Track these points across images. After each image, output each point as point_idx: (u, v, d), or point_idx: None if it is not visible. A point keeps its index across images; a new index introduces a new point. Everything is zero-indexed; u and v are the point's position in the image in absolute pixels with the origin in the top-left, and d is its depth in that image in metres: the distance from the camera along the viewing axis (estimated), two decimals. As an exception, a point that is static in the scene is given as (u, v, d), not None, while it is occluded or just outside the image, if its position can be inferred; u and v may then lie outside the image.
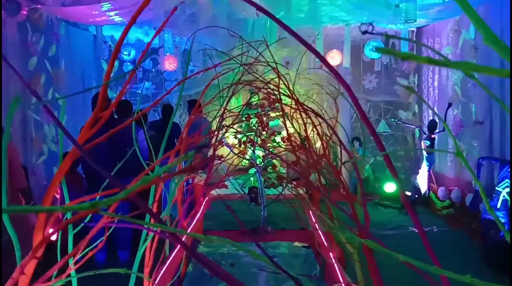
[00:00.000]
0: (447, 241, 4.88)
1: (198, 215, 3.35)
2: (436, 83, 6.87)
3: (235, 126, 3.09)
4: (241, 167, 5.14)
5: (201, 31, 2.27)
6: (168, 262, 2.21)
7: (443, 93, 6.52)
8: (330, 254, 2.36)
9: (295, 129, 2.52)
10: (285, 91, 2.12)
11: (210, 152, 2.50)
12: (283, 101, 2.28)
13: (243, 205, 4.46)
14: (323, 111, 2.40)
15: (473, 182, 5.44)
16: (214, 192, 4.13)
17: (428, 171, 6.35)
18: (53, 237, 0.92)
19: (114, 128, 0.82)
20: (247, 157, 3.99)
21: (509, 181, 4.05)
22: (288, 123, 2.45)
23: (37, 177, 4.97)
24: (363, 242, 0.49)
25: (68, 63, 5.96)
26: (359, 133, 7.49)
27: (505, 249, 3.78)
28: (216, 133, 2.34)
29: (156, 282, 1.85)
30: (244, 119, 3.65)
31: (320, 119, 1.88)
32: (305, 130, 2.22)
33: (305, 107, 1.86)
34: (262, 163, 4.27)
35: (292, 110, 2.39)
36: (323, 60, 0.68)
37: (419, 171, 6.55)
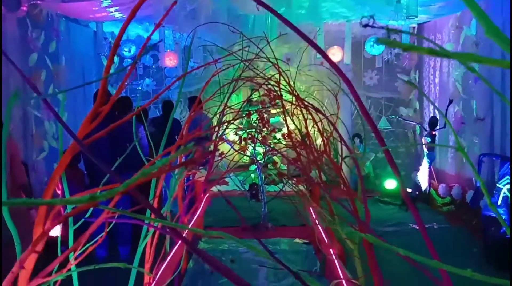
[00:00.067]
0: (447, 238, 4.88)
1: (198, 212, 3.36)
2: (437, 80, 6.85)
3: (235, 122, 3.09)
4: (241, 163, 5.14)
5: (202, 27, 2.27)
6: (169, 258, 2.21)
7: (444, 89, 6.51)
8: (331, 250, 2.37)
9: (296, 126, 2.51)
10: (285, 88, 2.12)
11: (211, 148, 2.50)
12: (283, 98, 2.28)
13: (244, 202, 4.47)
14: (324, 108, 2.39)
15: (473, 179, 5.44)
16: (214, 189, 4.13)
17: (429, 168, 6.35)
18: (54, 233, 0.92)
19: (115, 124, 0.81)
20: (248, 153, 3.99)
21: (509, 178, 4.05)
22: (288, 120, 2.44)
23: (38, 173, 4.98)
24: (363, 236, 0.49)
25: (69, 59, 5.96)
26: (360, 129, 7.49)
27: (505, 246, 3.78)
28: (216, 129, 2.34)
29: (156, 278, 1.86)
30: (244, 115, 3.65)
31: (321, 116, 1.87)
32: (306, 127, 2.22)
33: (305, 103, 1.86)
34: (263, 160, 4.27)
35: (293, 107, 2.39)
36: (324, 55, 0.67)
37: (420, 168, 6.55)
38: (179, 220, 2.01)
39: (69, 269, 0.87)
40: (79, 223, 0.97)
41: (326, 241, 2.61)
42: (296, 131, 2.56)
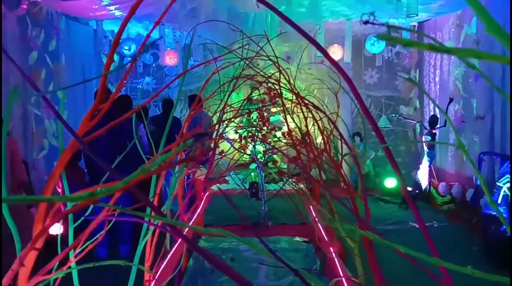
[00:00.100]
0: (447, 236, 4.89)
1: (199, 210, 3.36)
2: (437, 79, 6.85)
3: (236, 120, 3.09)
4: (242, 162, 5.15)
5: (202, 26, 2.26)
6: (169, 256, 2.21)
7: (444, 88, 6.50)
8: (331, 248, 2.37)
9: (296, 124, 2.51)
10: (286, 86, 2.12)
11: (211, 145, 2.50)
12: (284, 96, 2.28)
13: (244, 200, 4.47)
14: (324, 106, 2.39)
15: (474, 177, 5.44)
16: (214, 187, 4.13)
17: (429, 166, 6.35)
18: (55, 232, 0.92)
19: (114, 122, 0.81)
20: (248, 152, 3.99)
21: (509, 176, 4.04)
22: (289, 118, 2.44)
23: (38, 172, 4.98)
24: (363, 233, 0.49)
25: (69, 57, 5.95)
26: (360, 128, 7.49)
27: (505, 244, 3.79)
28: (217, 127, 2.34)
29: (156, 276, 1.86)
30: (245, 114, 3.65)
31: (321, 114, 1.87)
32: (306, 125, 2.22)
33: (305, 101, 1.85)
34: (263, 159, 4.27)
35: (293, 105, 2.39)
36: (325, 53, 0.67)
37: (420, 166, 6.55)
38: (179, 219, 2.01)
39: (69, 267, 0.87)
40: (79, 221, 0.97)
41: (326, 240, 2.61)
42: (296, 130, 2.56)
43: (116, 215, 1.16)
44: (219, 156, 3.03)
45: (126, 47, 7.07)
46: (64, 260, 0.86)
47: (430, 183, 6.42)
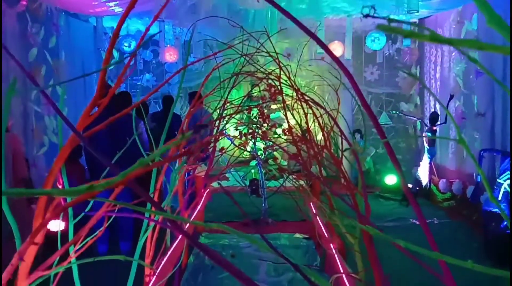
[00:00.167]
0: (448, 233, 4.89)
1: (199, 207, 3.36)
2: (438, 75, 6.84)
3: (236, 117, 3.09)
4: (242, 159, 5.15)
5: (202, 22, 2.26)
6: (169, 252, 2.22)
7: (445, 85, 6.49)
8: (331, 245, 2.37)
9: (296, 121, 2.51)
10: (286, 82, 2.12)
11: (212, 140, 2.50)
12: (284, 92, 2.27)
13: (244, 197, 4.47)
14: (324, 103, 2.39)
15: (474, 174, 5.44)
16: (215, 184, 4.13)
17: (430, 163, 6.35)
18: (55, 228, 0.92)
19: (113, 117, 0.81)
20: (248, 149, 3.99)
21: (510, 173, 4.04)
22: (289, 115, 2.44)
23: (38, 168, 4.98)
24: (363, 228, 0.48)
25: (68, 54, 5.94)
26: (361, 125, 7.48)
27: (505, 241, 3.79)
28: (217, 123, 2.34)
29: (157, 272, 1.86)
30: (245, 110, 3.64)
31: (321, 110, 1.87)
32: (306, 122, 2.22)
33: (306, 97, 1.85)
34: (263, 155, 4.27)
35: (293, 101, 2.38)
36: (326, 48, 0.67)
37: (420, 163, 6.55)
38: (180, 215, 2.01)
39: (69, 262, 0.87)
40: (79, 217, 0.97)
41: (326, 236, 2.62)
42: (297, 127, 2.56)
43: (116, 211, 1.16)
44: (220, 153, 3.03)
45: (126, 44, 7.05)
46: (64, 256, 0.86)
47: (430, 180, 6.42)
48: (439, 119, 6.22)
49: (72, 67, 5.94)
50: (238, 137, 3.66)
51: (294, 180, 2.82)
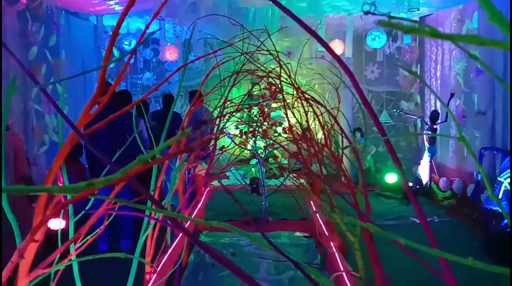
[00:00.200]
0: (448, 232, 4.89)
1: (199, 205, 3.36)
2: (438, 74, 6.83)
3: (236, 115, 3.09)
4: (242, 157, 5.15)
5: (202, 21, 2.26)
6: (170, 251, 2.22)
7: (446, 83, 6.49)
8: (331, 243, 2.37)
9: (297, 119, 2.51)
10: (286, 81, 2.11)
11: (212, 142, 2.50)
12: (284, 91, 2.27)
13: (245, 196, 4.48)
14: (325, 101, 2.39)
15: (474, 172, 5.44)
16: (216, 182, 4.14)
17: (430, 161, 6.35)
18: (56, 227, 0.92)
19: (113, 115, 0.81)
20: (249, 147, 3.99)
21: (510, 172, 4.04)
22: (289, 113, 2.44)
23: (39, 167, 4.98)
24: (363, 225, 0.48)
25: (69, 53, 5.94)
26: (361, 124, 7.48)
27: (506, 239, 3.79)
28: (217, 121, 2.34)
29: (157, 270, 1.86)
30: (245, 109, 3.65)
31: (322, 109, 1.87)
32: (307, 120, 2.22)
33: (306, 95, 1.85)
34: (264, 154, 4.27)
35: (294, 99, 2.38)
36: (327, 47, 0.66)
37: (421, 161, 6.55)
38: (180, 213, 2.02)
39: (70, 260, 0.87)
40: (79, 215, 0.97)
41: (327, 234, 2.62)
42: (297, 125, 2.56)
43: (116, 209, 1.16)
44: (220, 152, 3.03)
45: (126, 43, 7.05)
46: (65, 254, 0.87)
47: (431, 178, 6.42)
48: (440, 118, 6.21)
49: (72, 65, 5.94)
50: (239, 135, 3.66)
51: (295, 179, 2.82)
